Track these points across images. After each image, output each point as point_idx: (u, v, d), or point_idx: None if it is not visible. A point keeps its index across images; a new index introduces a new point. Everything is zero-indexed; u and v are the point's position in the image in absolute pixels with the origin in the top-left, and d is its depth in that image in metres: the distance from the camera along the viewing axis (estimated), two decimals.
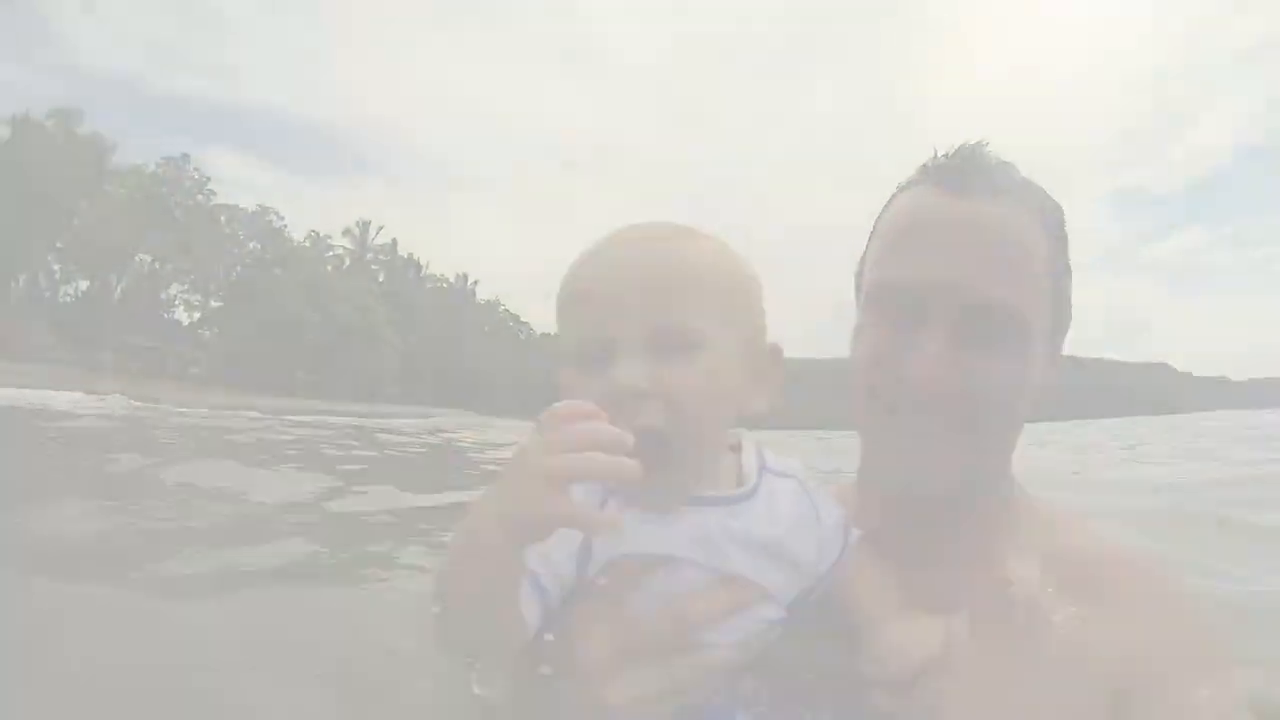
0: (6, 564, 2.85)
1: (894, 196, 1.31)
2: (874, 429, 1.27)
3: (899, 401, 1.20)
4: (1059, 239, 1.26)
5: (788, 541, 1.12)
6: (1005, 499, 1.31)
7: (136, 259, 79.51)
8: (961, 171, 1.23)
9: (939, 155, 1.27)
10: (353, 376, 79.04)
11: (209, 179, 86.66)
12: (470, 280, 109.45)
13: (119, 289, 78.92)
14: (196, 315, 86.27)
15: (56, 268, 76.08)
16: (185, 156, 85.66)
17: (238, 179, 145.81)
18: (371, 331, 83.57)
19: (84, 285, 77.86)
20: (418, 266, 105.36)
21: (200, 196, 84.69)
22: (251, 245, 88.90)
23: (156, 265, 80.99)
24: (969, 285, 1.17)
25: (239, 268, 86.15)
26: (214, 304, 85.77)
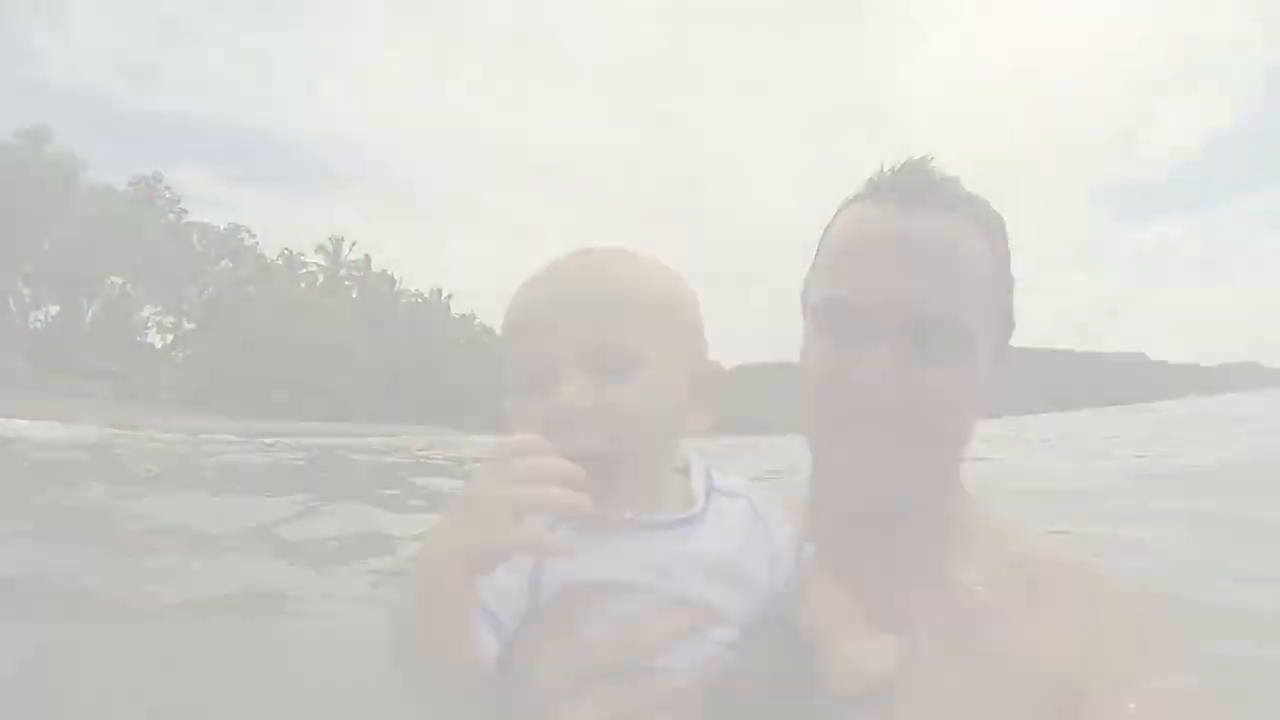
0: None
1: (839, 212, 1.33)
2: (824, 443, 1.29)
3: (848, 416, 1.21)
4: (1002, 251, 1.28)
5: (739, 561, 1.13)
6: (955, 508, 1.32)
7: (108, 281, 78.52)
8: (907, 186, 1.24)
9: (884, 170, 1.28)
10: (328, 395, 78.26)
11: (180, 197, 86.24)
12: (445, 294, 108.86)
13: (90, 312, 77.90)
14: (169, 338, 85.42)
15: (26, 292, 75.03)
16: (157, 175, 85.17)
17: (209, 197, 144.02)
18: (346, 349, 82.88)
19: (54, 310, 76.88)
20: (392, 281, 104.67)
21: (172, 215, 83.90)
22: (224, 264, 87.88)
23: (128, 287, 79.96)
24: (916, 300, 1.18)
25: (211, 287, 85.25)
26: (187, 325, 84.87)
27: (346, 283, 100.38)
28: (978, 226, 1.24)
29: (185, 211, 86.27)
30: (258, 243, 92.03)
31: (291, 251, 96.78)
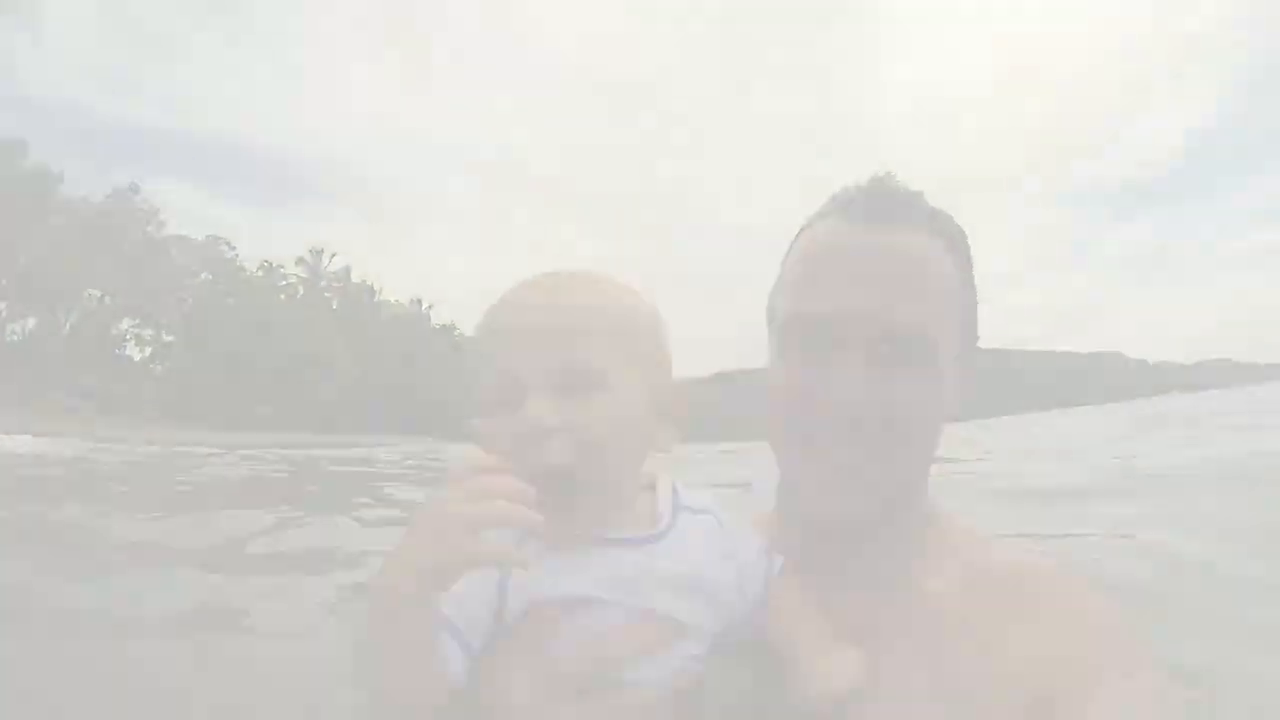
0: None
1: (804, 228, 1.34)
2: (791, 457, 1.29)
3: (815, 429, 1.22)
4: (966, 264, 1.29)
5: (707, 577, 1.14)
6: (922, 518, 1.34)
7: (85, 294, 77.96)
8: (872, 202, 1.26)
9: (849, 187, 1.29)
10: (309, 407, 77.94)
11: (159, 210, 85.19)
12: (425, 305, 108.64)
13: (68, 325, 77.28)
14: (148, 350, 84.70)
15: (2, 305, 74.38)
16: (134, 187, 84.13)
17: (187, 209, 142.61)
18: (327, 360, 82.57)
19: (31, 323, 76.20)
20: (372, 292, 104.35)
21: (150, 228, 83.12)
22: (203, 276, 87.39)
23: (106, 300, 79.44)
24: (883, 314, 1.19)
25: (190, 300, 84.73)
26: (166, 338, 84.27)
27: (326, 294, 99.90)
28: (943, 241, 1.26)
29: (164, 224, 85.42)
30: (237, 255, 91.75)
31: (271, 263, 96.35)
